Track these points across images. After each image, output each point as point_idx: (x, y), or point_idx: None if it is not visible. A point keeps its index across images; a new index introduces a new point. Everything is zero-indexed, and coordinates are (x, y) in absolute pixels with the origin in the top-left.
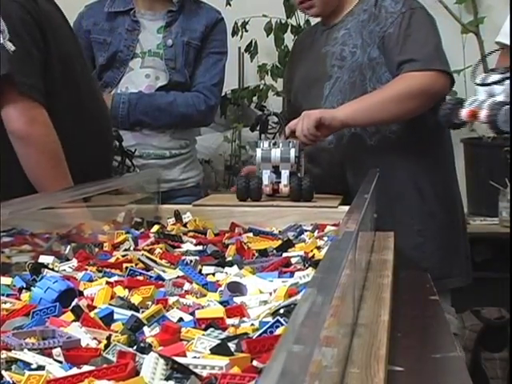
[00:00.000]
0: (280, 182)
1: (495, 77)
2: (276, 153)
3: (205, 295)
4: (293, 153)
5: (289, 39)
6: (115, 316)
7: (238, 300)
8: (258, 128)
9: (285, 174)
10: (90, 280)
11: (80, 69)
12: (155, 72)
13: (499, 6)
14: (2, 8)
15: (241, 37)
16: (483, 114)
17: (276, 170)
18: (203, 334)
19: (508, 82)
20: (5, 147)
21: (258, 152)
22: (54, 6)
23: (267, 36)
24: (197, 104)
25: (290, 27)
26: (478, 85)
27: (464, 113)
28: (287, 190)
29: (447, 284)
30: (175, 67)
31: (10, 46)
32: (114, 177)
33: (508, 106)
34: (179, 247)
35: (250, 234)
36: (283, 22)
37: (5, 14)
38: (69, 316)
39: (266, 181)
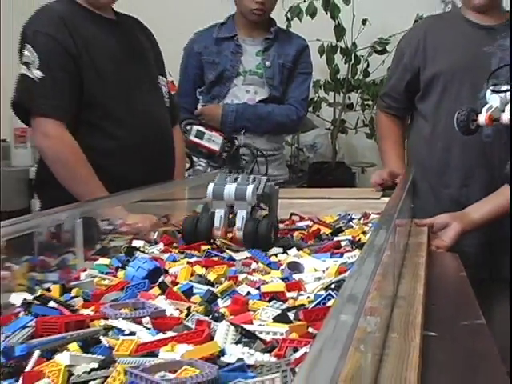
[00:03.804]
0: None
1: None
2: (230, 189)
3: (269, 273)
4: (250, 190)
5: (338, 59)
6: (194, 290)
7: (296, 277)
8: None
9: (240, 215)
10: (174, 260)
11: (116, 82)
12: (254, 88)
13: None
14: (35, 42)
15: None
16: (505, 116)
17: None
18: (267, 306)
19: None
20: None
21: (210, 187)
22: (101, 27)
23: (320, 57)
24: (290, 115)
25: (339, 49)
26: (493, 92)
27: (482, 118)
28: (241, 234)
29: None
30: (273, 84)
31: (37, 74)
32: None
33: None
34: None
35: (309, 223)
36: (333, 44)
37: (36, 46)
38: (156, 290)
39: (217, 222)
